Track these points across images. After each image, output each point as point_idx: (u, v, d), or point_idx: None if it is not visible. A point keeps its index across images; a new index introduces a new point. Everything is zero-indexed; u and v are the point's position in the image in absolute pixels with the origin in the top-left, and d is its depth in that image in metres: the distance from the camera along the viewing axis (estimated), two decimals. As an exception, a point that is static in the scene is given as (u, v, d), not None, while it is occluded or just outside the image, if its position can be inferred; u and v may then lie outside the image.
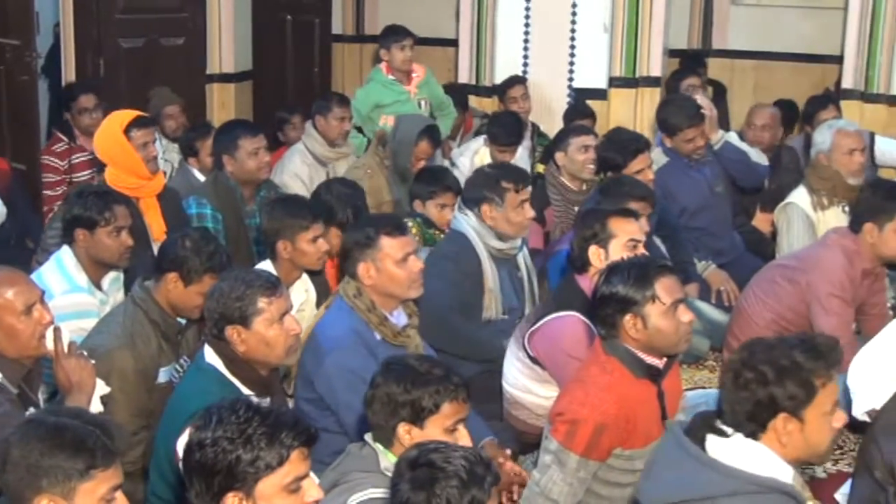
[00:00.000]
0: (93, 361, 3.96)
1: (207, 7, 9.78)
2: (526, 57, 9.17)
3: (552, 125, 8.54)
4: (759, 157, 7.48)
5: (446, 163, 7.94)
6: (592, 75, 9.07)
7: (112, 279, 5.19)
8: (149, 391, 4.48)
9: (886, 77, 8.55)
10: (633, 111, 9.02)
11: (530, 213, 5.59)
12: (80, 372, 3.86)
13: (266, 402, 3.26)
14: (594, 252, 4.77)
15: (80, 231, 4.99)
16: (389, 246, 4.55)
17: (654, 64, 9.05)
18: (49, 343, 3.81)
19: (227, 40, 9.99)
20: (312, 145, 7.50)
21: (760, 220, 7.58)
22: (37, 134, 8.51)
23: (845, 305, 5.52)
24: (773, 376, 3.09)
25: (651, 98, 8.91)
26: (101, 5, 9.09)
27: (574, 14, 9.00)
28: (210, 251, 4.59)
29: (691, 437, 3.21)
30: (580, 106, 8.73)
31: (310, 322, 4.80)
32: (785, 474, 3.15)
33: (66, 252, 5.05)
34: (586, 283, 4.71)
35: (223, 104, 10.01)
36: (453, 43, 10.17)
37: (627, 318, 3.90)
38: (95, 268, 5.07)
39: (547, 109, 9.01)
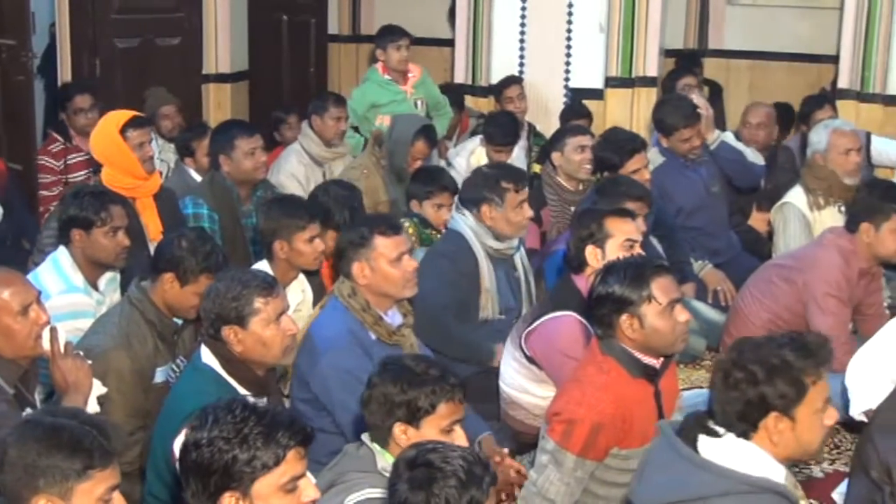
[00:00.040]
0: (89, 362, 3.96)
1: (203, 7, 9.78)
2: (522, 57, 9.17)
3: (548, 125, 8.54)
4: (755, 157, 7.49)
5: (442, 163, 7.94)
6: (589, 75, 9.06)
7: (108, 279, 5.18)
8: (145, 391, 4.48)
9: (882, 77, 8.55)
10: (630, 111, 9.02)
11: (529, 212, 5.60)
12: (77, 372, 3.85)
13: (263, 402, 3.25)
14: (591, 252, 4.78)
15: (77, 231, 4.99)
16: (383, 245, 4.55)
17: (650, 64, 9.05)
18: (45, 343, 3.81)
19: (223, 40, 9.99)
20: (309, 145, 7.50)
21: (757, 220, 7.59)
22: (33, 134, 8.49)
23: (842, 305, 5.53)
24: (763, 375, 3.09)
25: (647, 98, 8.91)
26: (97, 5, 9.09)
27: (570, 14, 9.00)
28: (206, 251, 4.59)
29: (683, 438, 3.21)
30: (576, 106, 8.74)
31: (306, 322, 4.80)
32: (777, 474, 3.15)
33: (62, 252, 5.05)
34: (583, 282, 4.71)
35: (219, 104, 10.01)
36: (449, 43, 10.17)
37: (624, 317, 3.90)
38: (92, 268, 5.07)
39: (543, 109, 9.01)
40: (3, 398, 3.65)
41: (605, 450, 3.91)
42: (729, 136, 7.49)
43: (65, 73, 9.10)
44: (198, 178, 6.91)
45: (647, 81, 9.07)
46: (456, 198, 5.98)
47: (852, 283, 5.56)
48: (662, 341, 3.93)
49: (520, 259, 5.73)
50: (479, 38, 9.29)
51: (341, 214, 5.55)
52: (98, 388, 3.97)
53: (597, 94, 9.03)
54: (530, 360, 4.86)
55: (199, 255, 4.55)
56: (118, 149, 5.87)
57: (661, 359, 3.99)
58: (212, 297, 3.97)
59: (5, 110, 8.52)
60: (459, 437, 3.38)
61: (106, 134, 5.96)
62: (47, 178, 7.89)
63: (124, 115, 6.05)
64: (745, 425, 3.13)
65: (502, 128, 7.76)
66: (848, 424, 5.22)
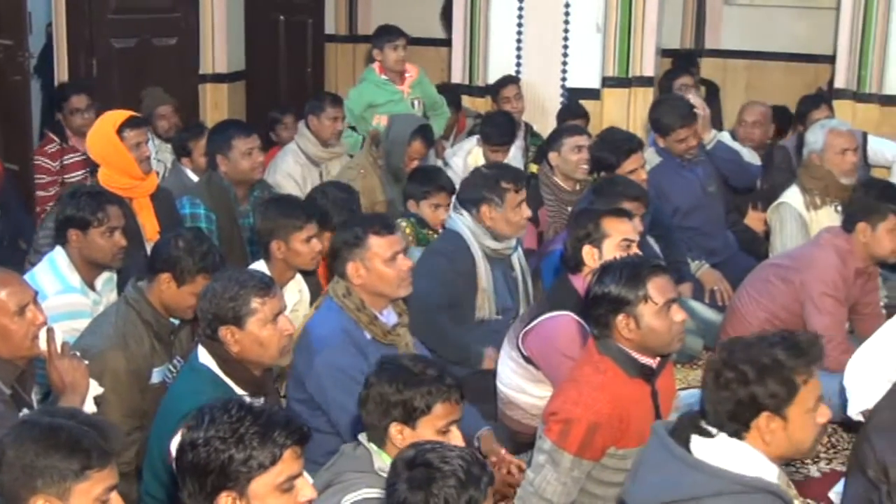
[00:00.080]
0: (86, 362, 3.96)
1: (200, 7, 9.78)
2: (519, 57, 9.18)
3: (545, 125, 8.54)
4: (751, 157, 7.49)
5: (439, 163, 7.94)
6: (585, 75, 9.07)
7: (105, 280, 5.18)
8: (142, 392, 4.47)
9: (878, 77, 8.57)
10: (626, 111, 9.02)
11: (527, 212, 5.61)
12: (74, 373, 3.85)
13: (259, 401, 3.25)
14: (588, 252, 4.78)
15: (73, 231, 4.98)
16: (378, 245, 4.56)
17: (646, 64, 9.06)
18: (42, 344, 3.81)
19: (219, 40, 9.99)
20: (305, 145, 7.50)
21: (753, 219, 7.59)
22: (29, 134, 8.49)
23: (838, 305, 5.54)
24: (754, 375, 3.08)
25: (644, 98, 8.91)
26: (94, 5, 9.08)
27: (567, 14, 9.01)
28: (203, 251, 4.59)
29: (676, 438, 3.21)
30: (573, 106, 8.74)
31: (302, 322, 4.80)
32: (770, 473, 3.15)
33: (59, 253, 5.04)
34: (580, 282, 4.72)
35: (216, 104, 10.01)
36: (446, 43, 10.17)
37: (620, 317, 3.90)
38: (88, 268, 5.06)
39: (540, 109, 9.02)
40: (0, 399, 3.65)
41: (601, 449, 3.91)
42: (725, 136, 7.50)
43: (61, 74, 9.09)
44: (195, 178, 6.91)
45: (644, 81, 9.08)
46: (454, 198, 5.98)
47: (849, 282, 5.57)
48: (659, 341, 3.93)
49: (517, 259, 5.74)
50: (476, 38, 9.30)
51: (340, 217, 5.55)
52: (95, 389, 3.97)
53: (593, 94, 9.04)
54: (527, 359, 4.86)
55: (196, 255, 4.55)
56: (115, 149, 5.87)
57: (658, 358, 3.99)
58: (209, 298, 3.97)
59: (2, 110, 8.52)
60: (456, 438, 3.38)
61: (103, 134, 5.95)
62: (44, 179, 7.88)
63: (121, 115, 6.05)
64: (737, 425, 3.13)
65: (499, 128, 7.77)
66: (845, 424, 5.23)
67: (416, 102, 8.27)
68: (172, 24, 9.61)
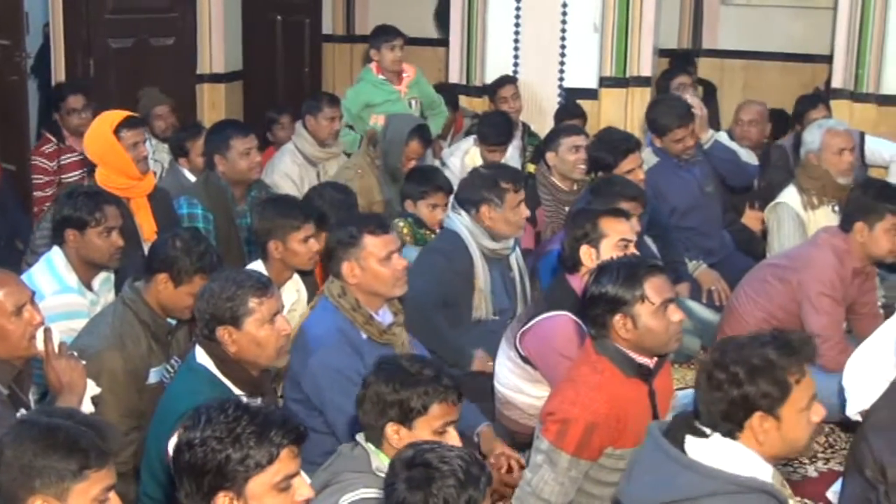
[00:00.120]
0: (83, 362, 3.96)
1: (197, 7, 9.78)
2: (516, 57, 9.17)
3: (543, 125, 8.55)
4: (748, 157, 7.50)
5: (437, 163, 7.93)
6: (583, 75, 9.07)
7: (102, 280, 5.18)
8: (139, 392, 4.47)
9: (875, 76, 8.57)
10: (624, 111, 9.02)
11: (526, 212, 5.62)
12: (71, 373, 3.85)
13: (256, 401, 3.25)
14: (585, 252, 4.78)
15: (71, 231, 4.98)
16: (373, 244, 4.55)
17: (644, 64, 9.05)
18: (39, 344, 3.80)
19: (217, 40, 9.99)
20: (302, 145, 7.50)
21: (750, 218, 7.59)
22: (26, 135, 8.50)
23: (836, 304, 5.54)
24: (745, 376, 3.08)
25: (641, 98, 8.91)
26: (91, 5, 9.08)
27: (564, 14, 9.00)
28: (200, 251, 4.58)
29: (670, 439, 3.21)
30: (571, 106, 8.74)
31: (298, 322, 4.79)
32: (764, 473, 3.15)
33: (56, 253, 5.04)
34: (577, 282, 4.71)
35: (213, 104, 10.01)
36: (443, 43, 10.17)
37: (617, 317, 3.90)
38: (86, 268, 5.06)
39: (538, 109, 9.02)
40: (-3, 399, 3.66)
41: (599, 449, 3.91)
42: (723, 136, 7.50)
43: (58, 74, 9.09)
44: (192, 178, 6.91)
45: (642, 81, 9.07)
46: (452, 198, 5.98)
47: (846, 282, 5.57)
48: (656, 341, 3.93)
49: (515, 259, 5.74)
50: (473, 38, 9.29)
51: (337, 218, 5.54)
52: (92, 389, 3.97)
53: (591, 94, 9.03)
54: (525, 359, 4.86)
55: (194, 255, 4.54)
56: (112, 149, 5.87)
57: (655, 358, 3.99)
58: (206, 298, 3.96)
59: (-1, 110, 8.54)
60: (453, 439, 3.37)
61: (100, 134, 5.95)
62: (41, 179, 7.88)
63: (118, 115, 6.05)
64: (730, 425, 3.13)
65: (496, 127, 7.76)
66: (843, 424, 5.23)
67: (413, 102, 8.27)
68: (169, 24, 9.61)
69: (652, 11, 8.96)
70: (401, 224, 6.15)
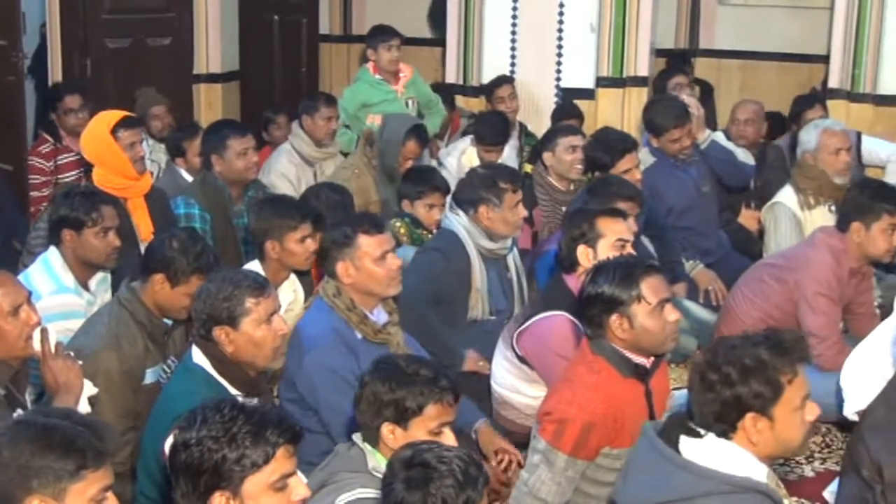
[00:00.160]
0: (80, 362, 3.95)
1: (194, 7, 9.78)
2: (513, 57, 9.17)
3: (540, 125, 8.54)
4: (745, 157, 7.50)
5: (434, 163, 7.93)
6: (580, 75, 9.07)
7: (99, 280, 5.18)
8: (135, 392, 4.47)
9: (872, 76, 8.57)
10: (621, 111, 9.02)
11: (524, 212, 5.62)
12: (68, 373, 3.84)
13: (252, 401, 3.24)
14: (582, 252, 4.78)
15: (68, 232, 4.98)
16: (367, 244, 4.55)
17: (641, 63, 9.05)
18: (36, 344, 3.80)
19: (213, 40, 9.99)
20: (299, 145, 7.50)
21: (746, 217, 7.60)
22: (23, 135, 8.49)
23: (832, 304, 5.54)
24: (737, 376, 3.08)
25: (638, 98, 8.91)
26: (88, 6, 9.08)
27: (561, 14, 9.00)
28: (197, 252, 4.58)
29: (665, 439, 3.21)
30: (567, 106, 8.73)
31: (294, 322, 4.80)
32: (759, 473, 3.15)
33: (53, 253, 5.04)
34: (574, 282, 4.71)
35: (210, 104, 10.00)
36: (437, 43, 10.17)
37: (614, 317, 3.90)
38: (82, 268, 5.06)
39: (534, 109, 9.02)
40: (-7, 399, 3.66)
41: (596, 449, 3.91)
42: (720, 136, 7.51)
43: (55, 74, 9.09)
44: (189, 178, 6.91)
45: (638, 81, 9.07)
46: (449, 198, 5.98)
47: (843, 282, 5.57)
48: (652, 341, 3.93)
49: (512, 260, 5.74)
50: (470, 38, 9.29)
51: (333, 218, 5.54)
52: (89, 389, 3.96)
53: (588, 94, 9.03)
54: (522, 359, 4.86)
55: (190, 255, 4.54)
56: (109, 149, 5.87)
57: (652, 358, 3.99)
58: (203, 298, 3.96)
59: (-4, 111, 8.53)
60: (448, 440, 3.36)
61: (97, 134, 5.95)
62: (38, 179, 7.88)
63: (115, 115, 6.05)
64: (724, 426, 3.13)
65: (492, 127, 7.77)
66: (839, 423, 5.23)
67: (409, 102, 8.27)
68: (166, 24, 9.60)
69: (649, 11, 8.96)
70: (398, 224, 6.15)
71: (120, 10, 9.26)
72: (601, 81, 9.06)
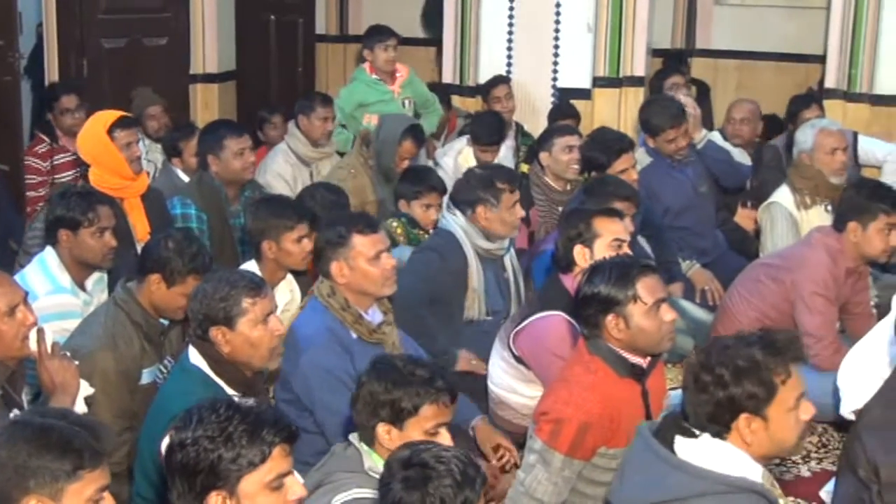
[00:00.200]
0: (76, 362, 3.95)
1: (190, 7, 9.79)
2: (510, 57, 9.18)
3: (536, 125, 8.54)
4: (741, 157, 7.50)
5: (430, 162, 7.93)
6: (576, 75, 9.07)
7: (96, 280, 5.17)
8: (131, 392, 4.47)
9: (869, 76, 8.59)
10: (617, 111, 9.03)
11: (521, 212, 5.61)
12: (64, 373, 3.84)
13: (248, 401, 3.24)
14: (579, 251, 4.78)
15: (64, 232, 4.98)
16: (361, 244, 4.55)
17: (637, 64, 9.06)
18: (32, 344, 3.79)
19: (210, 40, 9.99)
20: (295, 145, 7.49)
21: (742, 217, 7.60)
22: (20, 135, 8.48)
23: (829, 304, 5.54)
24: (731, 377, 3.08)
25: (635, 98, 8.92)
26: (84, 6, 9.08)
27: (558, 14, 9.01)
28: (193, 252, 4.57)
29: (660, 439, 3.21)
30: (564, 106, 8.74)
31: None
32: (754, 473, 3.15)
33: (49, 253, 5.04)
34: (571, 282, 4.72)
35: (207, 104, 10.00)
36: (431, 43, 10.17)
37: (610, 317, 3.90)
38: (79, 268, 5.06)
39: (531, 109, 9.02)
40: (-10, 399, 3.65)
41: (592, 449, 3.91)
42: (716, 136, 7.51)
43: (52, 74, 9.09)
44: (185, 178, 6.91)
45: (635, 81, 9.08)
46: (446, 198, 5.98)
47: (840, 282, 5.57)
48: (649, 341, 3.93)
49: (510, 260, 5.74)
50: (466, 38, 9.29)
51: (329, 219, 5.54)
52: (85, 389, 3.96)
53: (584, 94, 9.04)
54: (518, 359, 4.86)
55: (186, 256, 4.54)
56: (106, 149, 5.87)
57: (648, 358, 3.99)
58: (199, 298, 3.96)
59: (-8, 111, 8.52)
60: (444, 441, 3.36)
61: (93, 134, 5.95)
62: (34, 179, 7.88)
63: (112, 115, 6.05)
64: (718, 427, 3.13)
65: (488, 127, 7.77)
66: (836, 423, 5.24)
67: (406, 102, 8.27)
68: (163, 24, 9.61)
69: (645, 11, 8.97)
70: (394, 224, 6.15)
71: (116, 9, 9.27)
72: (598, 81, 9.07)
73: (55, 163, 7.88)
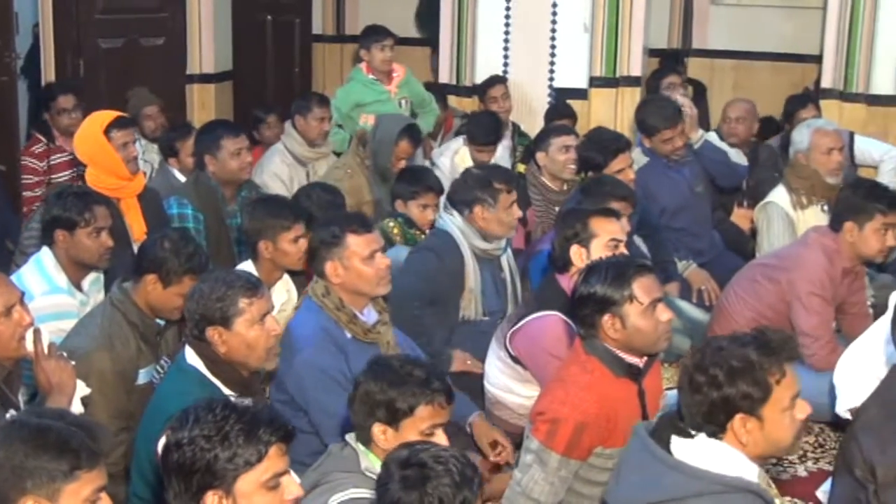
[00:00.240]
0: (72, 363, 3.95)
1: (187, 7, 9.77)
2: (506, 57, 9.17)
3: (533, 125, 8.55)
4: (738, 158, 7.50)
5: (427, 162, 7.93)
6: (573, 75, 9.07)
7: (92, 280, 5.17)
8: (128, 392, 4.46)
9: (865, 76, 8.59)
10: (614, 111, 9.03)
11: (518, 213, 5.62)
12: (60, 373, 3.84)
13: (244, 401, 3.24)
14: (576, 251, 4.78)
15: (60, 232, 4.97)
16: (356, 244, 4.55)
17: (634, 63, 9.06)
18: (29, 345, 3.79)
19: (206, 40, 9.98)
20: (292, 145, 7.49)
21: (738, 216, 7.61)
22: (16, 135, 8.48)
23: (825, 304, 5.55)
24: (725, 377, 3.08)
25: (631, 97, 8.92)
26: (81, 6, 9.08)
27: (554, 14, 9.01)
28: (189, 252, 4.57)
29: (656, 439, 3.21)
30: (561, 106, 8.74)
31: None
32: (750, 473, 3.15)
33: (45, 253, 5.03)
34: (567, 282, 4.71)
35: (203, 104, 10.00)
36: (426, 43, 10.16)
37: (606, 317, 3.90)
38: (75, 269, 5.05)
39: (528, 109, 9.02)
40: (-13, 400, 3.65)
41: (589, 449, 3.91)
42: (713, 136, 7.51)
43: (48, 74, 9.08)
44: (182, 178, 6.91)
45: (632, 81, 9.08)
46: (443, 198, 5.98)
47: (836, 282, 5.58)
48: (645, 341, 3.94)
49: (507, 260, 5.74)
50: (463, 38, 9.29)
51: (325, 219, 5.54)
52: (82, 390, 3.95)
53: (581, 94, 9.04)
54: (515, 359, 4.86)
55: (182, 256, 4.54)
56: (102, 149, 5.86)
57: (645, 358, 3.99)
58: (196, 298, 3.96)
59: (-11, 111, 8.52)
60: (440, 441, 3.36)
61: (90, 134, 5.94)
62: (31, 179, 7.87)
63: (108, 115, 6.04)
64: (713, 427, 3.13)
65: (484, 127, 7.77)
66: (832, 423, 5.24)
67: (403, 102, 8.27)
68: (159, 24, 9.60)
69: (642, 11, 8.97)
70: (391, 224, 6.14)
71: (113, 10, 9.26)
72: (594, 81, 9.07)
73: (52, 163, 7.87)
